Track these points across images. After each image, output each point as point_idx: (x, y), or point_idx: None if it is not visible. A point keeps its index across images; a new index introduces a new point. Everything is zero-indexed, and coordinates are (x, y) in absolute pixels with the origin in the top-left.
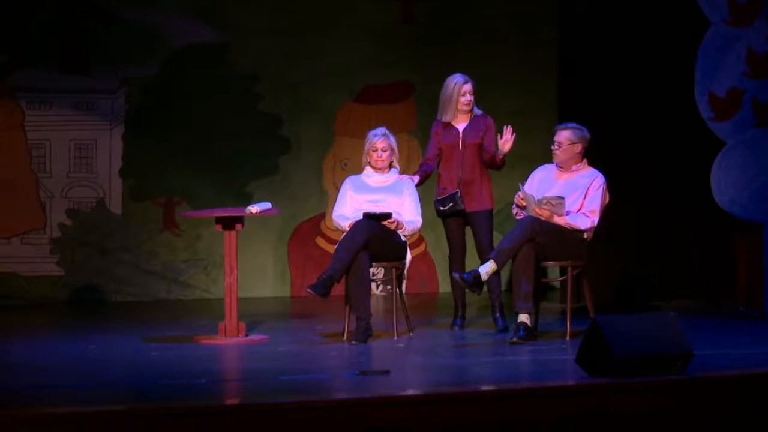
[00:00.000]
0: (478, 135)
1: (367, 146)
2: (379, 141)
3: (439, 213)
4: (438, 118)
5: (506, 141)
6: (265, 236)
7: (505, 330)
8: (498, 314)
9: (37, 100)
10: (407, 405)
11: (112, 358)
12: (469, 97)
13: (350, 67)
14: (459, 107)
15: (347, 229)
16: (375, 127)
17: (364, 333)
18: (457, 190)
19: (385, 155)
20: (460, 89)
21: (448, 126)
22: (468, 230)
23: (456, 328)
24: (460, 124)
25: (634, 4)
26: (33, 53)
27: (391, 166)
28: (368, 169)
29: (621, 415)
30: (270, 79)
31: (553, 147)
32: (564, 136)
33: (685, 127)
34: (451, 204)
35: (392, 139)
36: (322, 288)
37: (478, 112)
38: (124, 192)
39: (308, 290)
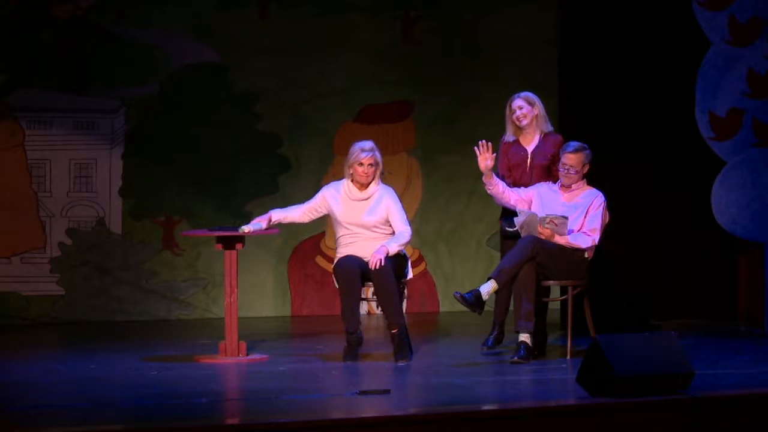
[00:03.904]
0: (547, 156)
1: (351, 158)
2: (367, 157)
3: (505, 234)
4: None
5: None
6: (265, 255)
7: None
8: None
9: (37, 119)
10: (408, 425)
11: (113, 378)
12: (518, 113)
13: (349, 86)
14: (516, 124)
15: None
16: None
17: (355, 347)
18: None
19: (371, 171)
20: (511, 105)
21: (518, 145)
22: None
23: (485, 348)
24: (530, 144)
25: (635, 23)
26: (33, 73)
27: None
28: (349, 185)
29: None
30: (269, 98)
31: (562, 170)
32: (576, 160)
33: (686, 146)
34: (517, 228)
35: (378, 154)
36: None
37: (546, 128)
38: (124, 211)
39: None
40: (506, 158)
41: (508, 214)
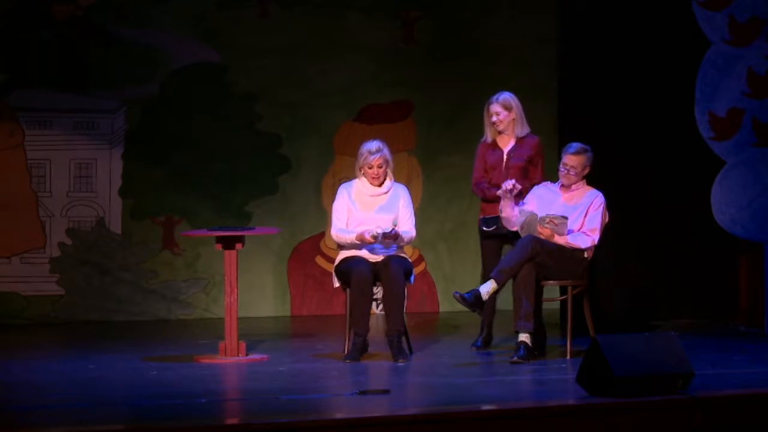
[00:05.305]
0: (523, 158)
1: (361, 160)
2: (376, 159)
3: (482, 233)
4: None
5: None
6: (265, 255)
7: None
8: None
9: (37, 119)
10: (408, 425)
11: (112, 378)
12: (494, 118)
13: (350, 86)
14: (494, 127)
15: (350, 240)
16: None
17: (360, 350)
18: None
19: (381, 171)
20: (488, 108)
21: (495, 146)
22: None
23: (474, 349)
24: (507, 146)
25: (635, 23)
26: (33, 73)
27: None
28: (363, 182)
29: None
30: (269, 98)
31: (562, 170)
32: (578, 162)
33: (686, 146)
34: (495, 227)
35: (387, 151)
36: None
37: (521, 132)
38: (123, 211)
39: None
40: (483, 159)
41: (487, 212)
